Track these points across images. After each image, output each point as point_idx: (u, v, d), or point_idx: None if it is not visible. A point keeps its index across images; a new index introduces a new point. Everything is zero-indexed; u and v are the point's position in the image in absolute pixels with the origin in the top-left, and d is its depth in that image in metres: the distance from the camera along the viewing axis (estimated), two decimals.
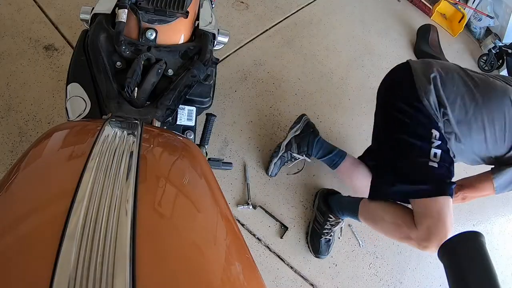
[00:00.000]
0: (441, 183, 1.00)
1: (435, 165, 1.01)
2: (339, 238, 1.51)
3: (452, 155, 1.08)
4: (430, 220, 0.97)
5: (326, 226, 1.41)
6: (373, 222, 1.17)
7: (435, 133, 1.03)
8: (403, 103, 1.08)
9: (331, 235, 1.44)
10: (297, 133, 1.49)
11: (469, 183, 1.20)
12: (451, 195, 0.99)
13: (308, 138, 1.46)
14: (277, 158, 1.48)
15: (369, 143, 1.85)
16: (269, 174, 1.52)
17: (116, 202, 0.37)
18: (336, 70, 2.04)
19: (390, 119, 1.15)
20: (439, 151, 1.02)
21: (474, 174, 1.21)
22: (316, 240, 1.43)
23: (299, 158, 1.46)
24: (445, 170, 1.02)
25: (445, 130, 1.06)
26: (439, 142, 1.02)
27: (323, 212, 1.43)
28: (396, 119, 1.09)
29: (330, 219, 1.40)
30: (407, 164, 1.05)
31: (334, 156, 1.41)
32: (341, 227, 1.45)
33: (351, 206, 1.28)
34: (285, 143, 1.48)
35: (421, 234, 0.99)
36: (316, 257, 1.45)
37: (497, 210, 1.93)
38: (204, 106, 0.84)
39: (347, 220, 1.60)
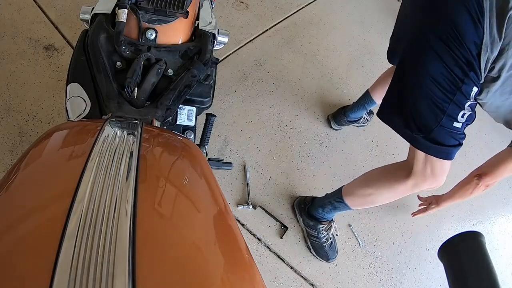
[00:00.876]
0: (456, 148, 0.91)
1: (459, 125, 0.89)
2: (337, 235, 1.50)
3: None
4: (431, 171, 0.95)
5: (322, 235, 1.41)
6: (364, 201, 1.17)
7: (475, 90, 0.85)
8: (457, 45, 0.81)
9: (331, 238, 1.44)
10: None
11: (489, 170, 1.09)
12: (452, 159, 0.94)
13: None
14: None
15: (369, 143, 1.85)
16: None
17: (116, 202, 0.37)
18: (336, 70, 2.04)
19: (424, 48, 0.87)
20: (469, 112, 0.88)
21: (486, 161, 1.12)
22: (321, 251, 1.43)
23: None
24: (463, 131, 0.91)
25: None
26: (474, 102, 0.88)
27: (312, 226, 1.41)
28: (435, 55, 0.85)
29: (322, 227, 1.40)
30: (429, 115, 0.88)
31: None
32: (335, 226, 1.45)
33: (335, 202, 1.28)
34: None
35: (419, 180, 0.98)
36: (329, 261, 1.45)
37: (497, 210, 1.93)
38: (204, 106, 0.84)
39: (345, 220, 1.61)
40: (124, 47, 0.72)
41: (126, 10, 0.74)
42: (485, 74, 0.86)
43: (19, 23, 1.64)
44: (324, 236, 1.40)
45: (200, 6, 0.91)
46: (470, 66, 0.83)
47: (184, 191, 0.47)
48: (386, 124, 1.00)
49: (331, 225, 1.41)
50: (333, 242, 1.45)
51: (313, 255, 1.46)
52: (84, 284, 0.28)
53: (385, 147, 1.87)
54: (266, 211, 1.50)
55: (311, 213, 1.41)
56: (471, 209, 1.89)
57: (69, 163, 0.44)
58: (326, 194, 1.36)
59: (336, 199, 1.27)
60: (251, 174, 1.57)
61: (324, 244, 1.41)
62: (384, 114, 1.01)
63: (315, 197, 1.43)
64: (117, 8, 0.75)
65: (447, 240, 0.51)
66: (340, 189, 1.27)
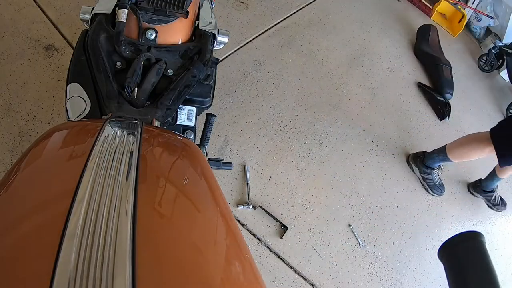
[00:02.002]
0: None
1: None
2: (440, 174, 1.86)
3: None
4: None
5: (435, 177, 1.81)
6: (460, 156, 1.63)
7: None
8: None
9: (439, 179, 1.84)
10: (417, 169, 1.87)
11: None
12: None
13: (423, 165, 1.84)
14: (429, 188, 1.86)
15: (369, 143, 1.86)
16: (441, 194, 1.88)
17: (116, 202, 0.37)
18: (336, 70, 2.04)
19: None
20: None
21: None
22: (436, 188, 1.83)
23: (435, 174, 1.84)
24: None
25: None
26: None
27: (428, 172, 1.81)
28: None
29: (435, 171, 1.81)
30: None
31: (442, 156, 1.72)
32: (442, 169, 1.86)
33: (441, 156, 1.72)
34: (421, 181, 1.88)
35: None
36: (441, 194, 1.84)
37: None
38: (204, 106, 0.84)
39: (345, 220, 1.61)
40: (124, 47, 0.72)
41: (126, 10, 0.74)
42: None
43: (19, 23, 1.64)
44: (436, 177, 1.83)
45: (200, 6, 0.91)
46: None
47: (184, 191, 0.47)
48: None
49: (439, 168, 1.82)
50: (441, 181, 1.86)
51: (430, 194, 1.84)
52: (84, 284, 0.28)
53: (385, 147, 1.87)
54: (266, 211, 1.50)
55: (425, 163, 1.81)
56: (471, 209, 1.89)
57: (69, 163, 0.44)
58: (434, 149, 1.78)
59: (441, 154, 1.71)
60: (251, 174, 1.57)
61: (436, 183, 1.83)
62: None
63: (425, 151, 1.84)
64: (117, 8, 0.75)
65: (447, 240, 0.51)
66: (444, 146, 1.70)
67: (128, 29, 0.76)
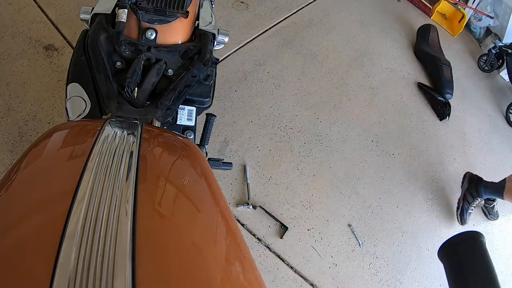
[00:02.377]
0: None
1: None
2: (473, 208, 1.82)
3: None
4: None
5: (474, 205, 1.77)
6: None
7: None
8: None
9: (473, 210, 1.80)
10: (466, 186, 1.82)
11: None
12: None
13: (474, 188, 1.79)
14: (460, 210, 1.81)
15: (369, 143, 1.85)
16: (464, 223, 1.82)
17: (116, 202, 0.37)
18: (336, 70, 2.04)
19: None
20: None
21: None
22: (466, 214, 1.78)
23: (476, 203, 1.79)
24: None
25: None
26: None
27: (474, 196, 1.76)
28: None
29: (477, 201, 1.76)
30: None
31: (497, 192, 1.68)
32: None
33: (496, 191, 1.68)
34: (461, 198, 1.84)
35: None
36: (462, 224, 1.78)
37: None
38: (204, 106, 0.84)
39: (345, 220, 1.61)
40: (124, 47, 0.72)
41: (126, 10, 0.74)
42: None
43: (19, 23, 1.64)
44: (474, 206, 1.78)
45: (200, 6, 0.91)
46: None
47: (184, 191, 0.47)
48: None
49: (482, 201, 1.78)
50: (471, 214, 1.81)
51: (456, 215, 1.80)
52: (84, 284, 0.28)
53: (385, 147, 1.87)
54: (266, 211, 1.50)
55: (477, 188, 1.76)
56: None
57: (69, 163, 0.44)
58: (492, 181, 1.72)
59: (497, 188, 1.66)
60: (251, 174, 1.57)
61: (469, 211, 1.78)
62: None
63: (481, 178, 1.79)
64: (117, 8, 0.75)
65: (447, 240, 0.51)
66: (503, 183, 1.64)
67: (128, 29, 0.76)
